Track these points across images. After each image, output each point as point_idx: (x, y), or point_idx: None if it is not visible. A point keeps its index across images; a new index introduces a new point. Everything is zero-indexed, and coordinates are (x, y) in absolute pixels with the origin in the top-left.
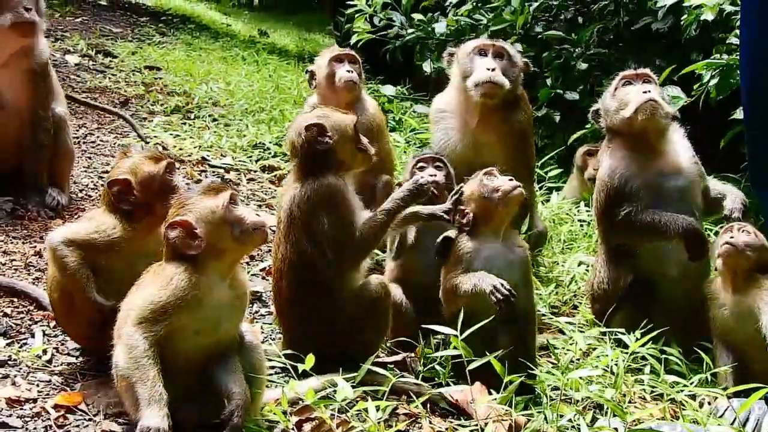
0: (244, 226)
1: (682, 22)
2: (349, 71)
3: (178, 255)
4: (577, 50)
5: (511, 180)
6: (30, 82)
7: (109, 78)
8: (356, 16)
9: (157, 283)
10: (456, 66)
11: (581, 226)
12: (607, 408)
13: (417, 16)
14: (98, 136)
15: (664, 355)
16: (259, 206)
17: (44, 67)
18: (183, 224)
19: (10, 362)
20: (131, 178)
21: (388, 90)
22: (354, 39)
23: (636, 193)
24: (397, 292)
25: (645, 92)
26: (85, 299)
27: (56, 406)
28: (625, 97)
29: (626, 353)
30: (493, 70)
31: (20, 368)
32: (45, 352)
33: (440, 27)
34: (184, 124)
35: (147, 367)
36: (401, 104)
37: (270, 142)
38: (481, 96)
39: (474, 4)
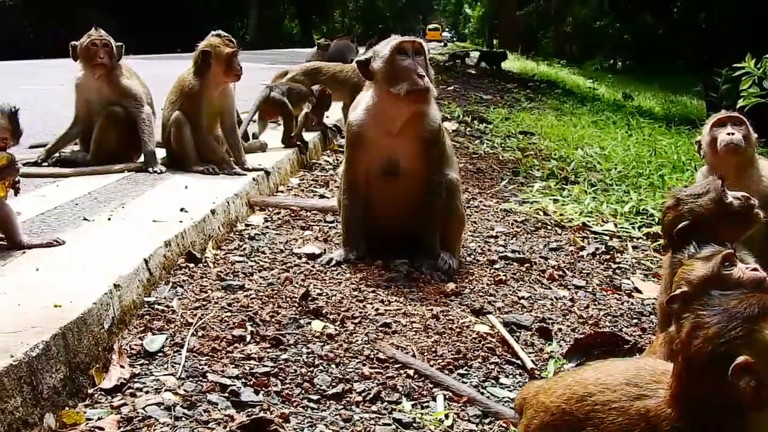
0: None
1: None
2: (729, 133)
3: None
4: None
5: None
6: (422, 149)
7: (486, 143)
8: (744, 79)
9: None
10: None
11: None
12: None
13: None
14: (481, 201)
15: None
16: (645, 276)
17: (436, 134)
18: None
19: (414, 425)
20: None
21: None
22: (741, 102)
23: None
24: None
25: None
26: None
27: None
28: None
29: None
30: None
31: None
32: (447, 416)
33: None
34: (562, 189)
35: None
36: None
37: (653, 209)
38: None
39: None
